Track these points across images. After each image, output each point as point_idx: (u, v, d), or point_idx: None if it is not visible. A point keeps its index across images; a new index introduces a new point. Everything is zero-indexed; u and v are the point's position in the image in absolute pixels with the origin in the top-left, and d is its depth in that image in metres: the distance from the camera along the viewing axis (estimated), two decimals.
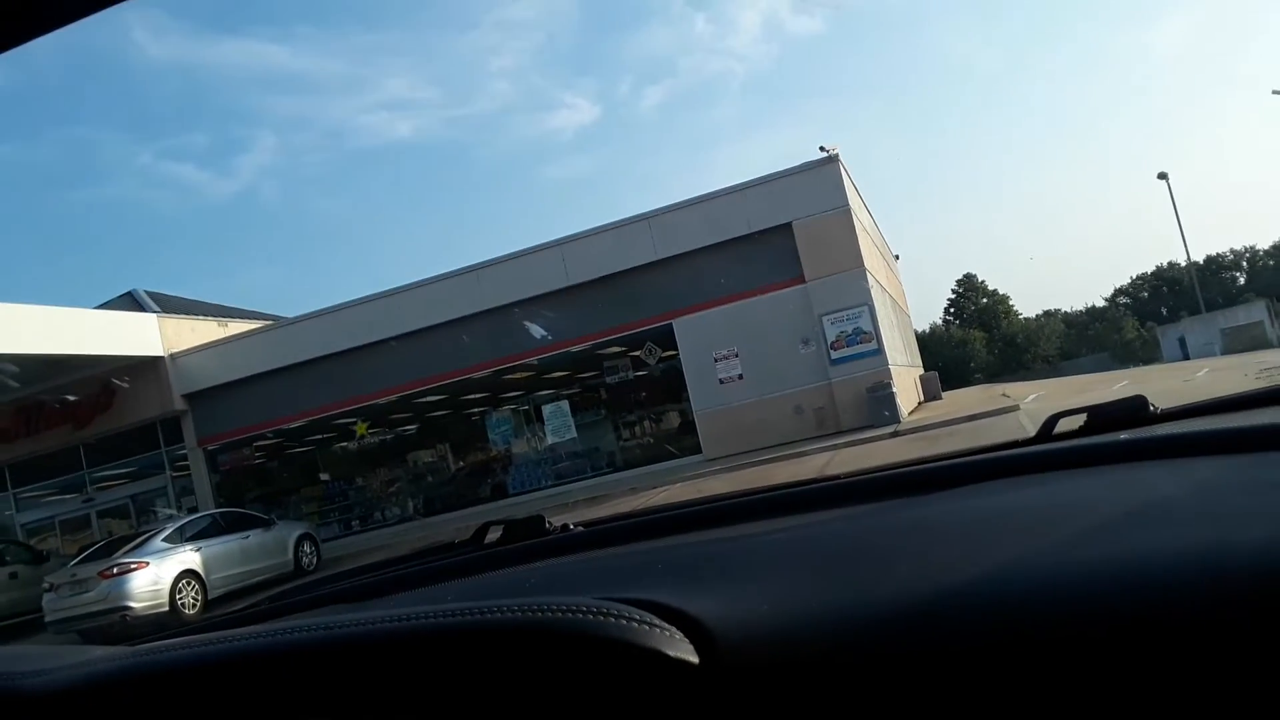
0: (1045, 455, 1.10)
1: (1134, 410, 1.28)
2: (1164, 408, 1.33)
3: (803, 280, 17.68)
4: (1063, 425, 1.32)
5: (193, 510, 18.99)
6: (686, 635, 0.59)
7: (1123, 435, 1.14)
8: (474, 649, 0.60)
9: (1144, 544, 0.63)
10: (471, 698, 0.61)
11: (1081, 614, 0.54)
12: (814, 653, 0.57)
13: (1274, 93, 37.16)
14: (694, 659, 0.57)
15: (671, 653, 0.57)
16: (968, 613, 0.57)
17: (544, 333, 18.60)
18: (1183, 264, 57.19)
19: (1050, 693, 0.51)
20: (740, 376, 18.03)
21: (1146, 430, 1.20)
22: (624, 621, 0.58)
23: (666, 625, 0.59)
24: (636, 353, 19.12)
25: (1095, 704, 0.51)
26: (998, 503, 0.93)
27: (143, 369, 20.31)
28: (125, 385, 20.34)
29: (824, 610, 0.62)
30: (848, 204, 17.88)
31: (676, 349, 18.55)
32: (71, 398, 20.84)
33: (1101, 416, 1.29)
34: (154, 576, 13.51)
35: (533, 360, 19.45)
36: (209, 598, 14.09)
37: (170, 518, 19.76)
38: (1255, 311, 42.22)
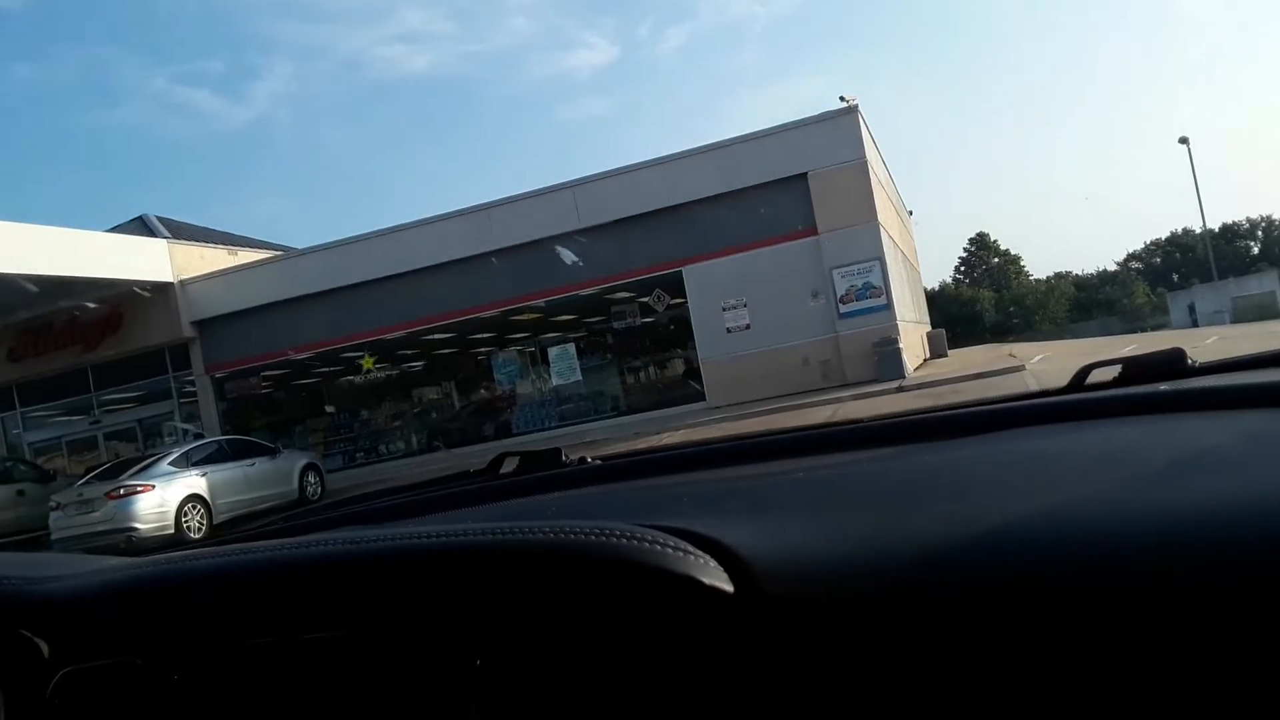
0: (1080, 404, 1.05)
1: (1172, 363, 1.21)
2: (1203, 362, 1.26)
3: (815, 232, 17.54)
4: (1095, 377, 1.24)
5: (200, 435, 19.13)
6: (720, 564, 0.57)
7: (1162, 386, 1.08)
8: (503, 569, 0.58)
9: (1193, 492, 0.60)
10: (498, 619, 0.60)
11: (1134, 562, 0.52)
12: (853, 589, 0.56)
13: None
14: (729, 588, 0.56)
15: (706, 580, 0.56)
16: (1011, 556, 0.55)
17: (563, 262, 18.46)
18: (1198, 231, 56.70)
19: (1095, 639, 0.49)
20: (747, 326, 18.00)
21: (1186, 382, 1.14)
22: (657, 546, 0.56)
23: (700, 552, 0.57)
24: (645, 299, 19.05)
25: (1139, 652, 0.49)
26: (1035, 447, 0.89)
27: (152, 294, 20.33)
28: (142, 299, 20.23)
29: (862, 545, 0.60)
30: (864, 157, 17.65)
31: (685, 296, 18.48)
32: (81, 320, 20.88)
33: (1137, 368, 1.21)
34: (160, 499, 13.67)
35: (540, 302, 19.42)
36: (214, 522, 14.24)
37: (186, 433, 19.98)
38: (1267, 281, 41.91)
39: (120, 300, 20.32)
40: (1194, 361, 1.23)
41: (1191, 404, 0.95)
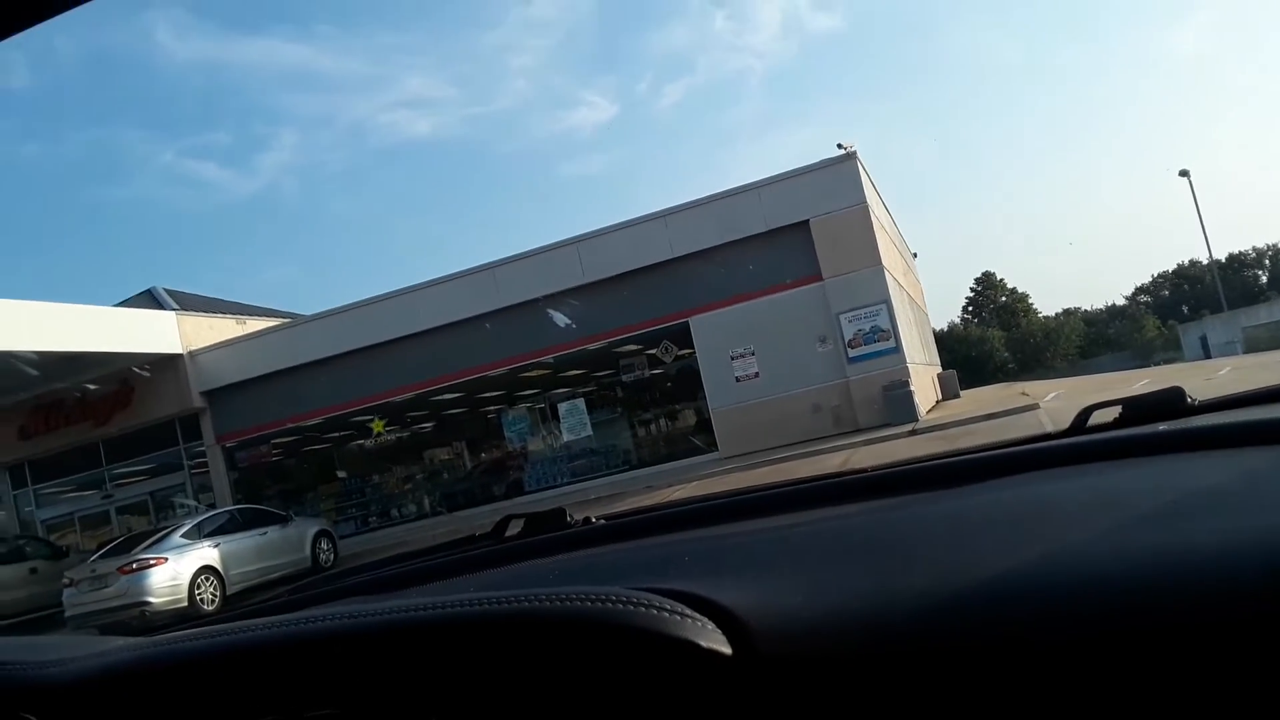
0: (1081, 447, 1.05)
1: (1171, 402, 1.22)
2: (1201, 400, 1.27)
3: (820, 278, 17.59)
4: (1096, 418, 1.26)
5: (211, 506, 19.08)
6: (719, 626, 0.57)
7: (1161, 427, 1.09)
8: (501, 639, 0.59)
9: (1194, 535, 0.60)
10: (497, 689, 0.60)
11: (1131, 607, 0.52)
12: (850, 645, 0.56)
13: None
14: (727, 650, 0.56)
15: (704, 643, 0.56)
16: (1007, 607, 0.55)
17: (568, 321, 18.57)
18: (1204, 262, 56.72)
19: (1096, 688, 0.49)
20: (756, 374, 17.96)
21: (1185, 421, 1.14)
22: (654, 611, 0.57)
23: (697, 615, 0.58)
24: (653, 351, 19.07)
25: (1143, 699, 0.49)
26: (1034, 494, 0.90)
27: (162, 366, 20.43)
28: (146, 378, 20.40)
29: (859, 602, 0.60)
30: (865, 201, 17.77)
31: (693, 347, 18.49)
32: (92, 395, 20.97)
33: (1137, 408, 1.23)
34: (173, 572, 13.62)
35: (548, 358, 19.44)
36: (227, 593, 14.16)
37: (194, 509, 19.92)
38: (1277, 310, 41.82)
39: (130, 374, 20.42)
40: (1193, 400, 1.24)
41: (1190, 444, 0.94)
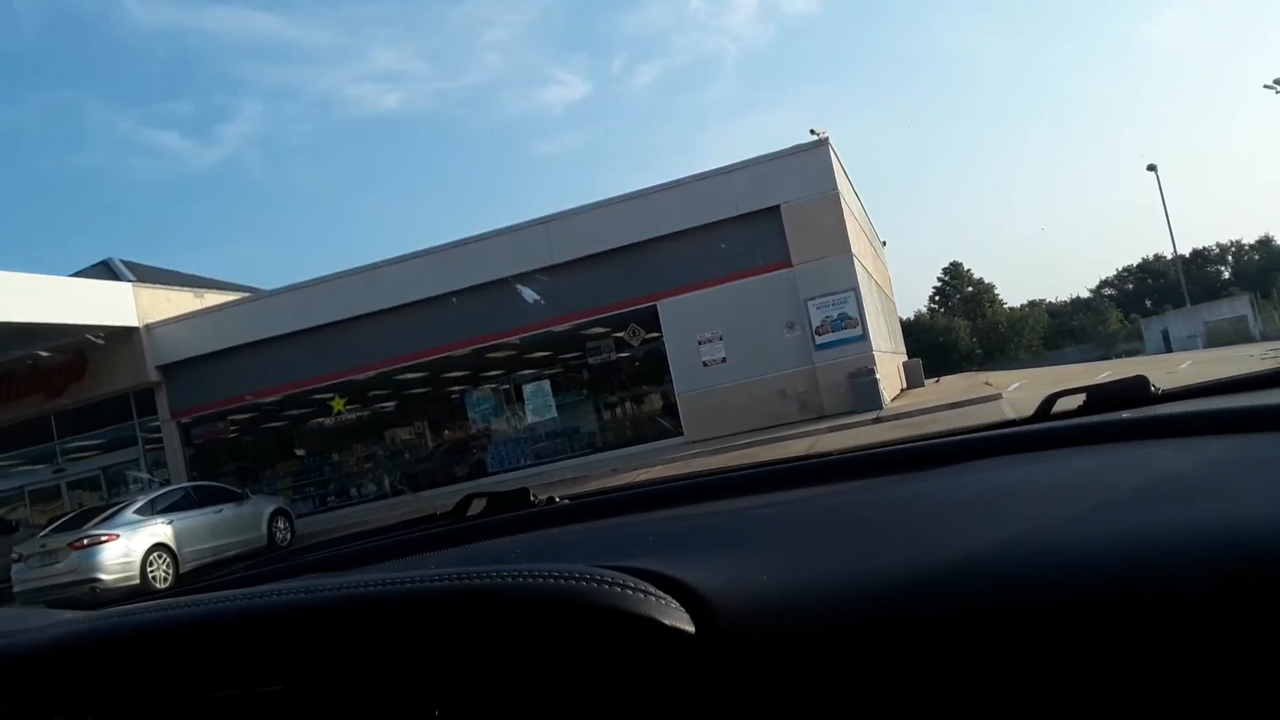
0: (1045, 433, 1.06)
1: (1135, 390, 1.24)
2: (1166, 389, 1.28)
3: (789, 264, 17.58)
4: (1061, 405, 1.28)
5: (165, 483, 18.80)
6: (682, 604, 0.57)
7: (1125, 414, 1.11)
8: (460, 615, 0.57)
9: (1156, 520, 0.61)
10: (457, 666, 0.59)
11: (1093, 590, 0.52)
12: (814, 624, 0.56)
13: (1265, 87, 37.15)
14: (690, 628, 0.56)
15: (667, 621, 0.55)
16: (973, 588, 0.55)
17: (535, 298, 18.42)
18: (1169, 257, 57.49)
19: (1058, 670, 0.50)
20: (724, 359, 17.94)
21: (1149, 409, 1.16)
22: (617, 589, 0.56)
23: (661, 593, 0.57)
24: (620, 334, 19.00)
25: (1103, 681, 0.49)
26: (998, 478, 0.91)
27: (117, 339, 20.07)
28: (100, 350, 20.04)
29: (823, 582, 0.61)
30: (836, 188, 17.77)
31: (660, 330, 18.43)
32: (44, 367, 20.54)
33: (1102, 396, 1.25)
34: (125, 549, 13.46)
35: (514, 339, 19.30)
36: (180, 572, 14.05)
37: (148, 483, 19.62)
38: (1239, 306, 42.56)
39: (84, 346, 20.03)
40: (1156, 389, 1.26)
41: (1153, 431, 0.97)
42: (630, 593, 0.56)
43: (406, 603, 0.58)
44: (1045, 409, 1.27)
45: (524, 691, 0.58)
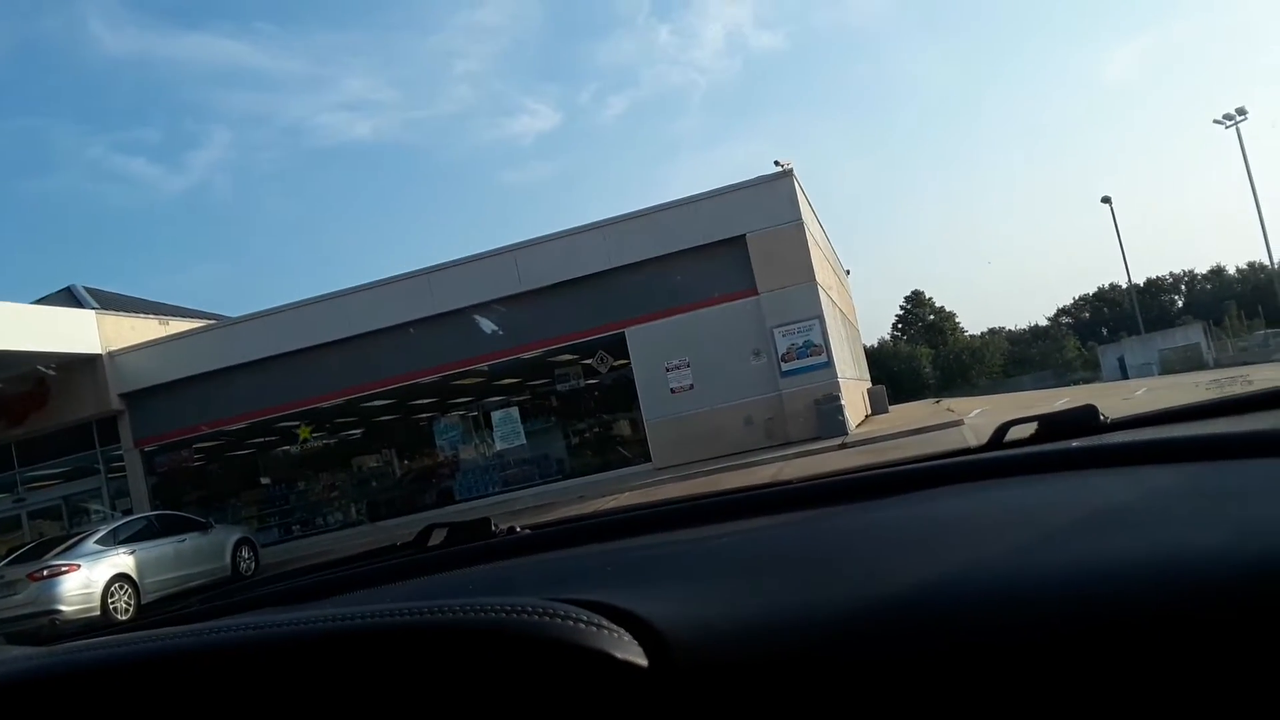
0: (996, 462, 1.09)
1: (1084, 419, 1.28)
2: (1114, 418, 1.32)
3: (755, 292, 17.77)
4: (1013, 434, 1.31)
5: (128, 512, 18.50)
6: (636, 637, 0.57)
7: (1074, 443, 1.13)
8: (412, 650, 0.57)
9: (1099, 549, 0.62)
10: (408, 701, 0.58)
11: (1037, 620, 0.53)
12: (766, 656, 0.56)
13: (1215, 122, 38.27)
14: (643, 661, 0.55)
15: (619, 654, 0.55)
16: (920, 618, 0.56)
17: (495, 328, 18.42)
18: (1124, 286, 58.64)
19: (1004, 698, 0.50)
20: (691, 386, 18.05)
21: (1097, 439, 1.19)
22: (569, 622, 0.56)
23: (614, 626, 0.57)
24: (588, 361, 19.04)
25: (1048, 711, 0.50)
26: (949, 508, 0.92)
27: (80, 367, 19.76)
28: (62, 378, 19.71)
29: (776, 614, 0.61)
30: (801, 218, 18.01)
31: (628, 358, 18.51)
32: (5, 395, 20.17)
33: (1052, 425, 1.28)
34: (85, 579, 13.22)
35: (483, 366, 19.29)
36: (143, 602, 13.76)
37: (106, 517, 19.25)
38: (1192, 334, 43.47)
39: (46, 375, 19.71)
40: (1105, 418, 1.29)
41: (1100, 460, 0.98)
42: (584, 626, 0.56)
43: (358, 638, 0.58)
44: (998, 437, 1.30)
45: None
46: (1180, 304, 70.49)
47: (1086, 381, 44.53)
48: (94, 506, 20.82)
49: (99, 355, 19.87)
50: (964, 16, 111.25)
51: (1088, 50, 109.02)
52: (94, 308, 21.27)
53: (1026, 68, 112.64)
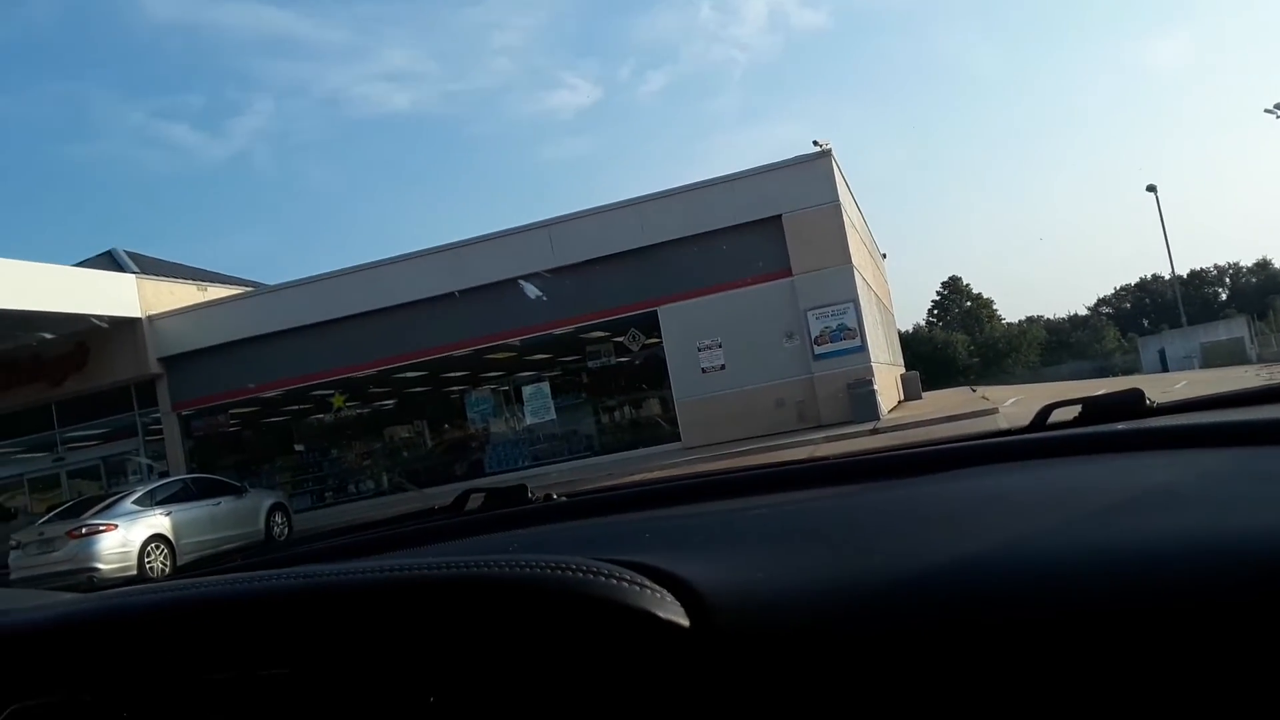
0: (1039, 442, 1.07)
1: (1130, 403, 1.24)
2: (1161, 402, 1.28)
3: (790, 274, 17.66)
4: (1056, 417, 1.27)
5: (164, 474, 18.82)
6: (677, 599, 0.57)
7: (1119, 426, 1.11)
8: (457, 603, 0.58)
9: (1146, 529, 0.61)
10: (453, 653, 0.59)
11: (1084, 596, 0.53)
12: (806, 622, 0.56)
13: (1266, 111, 37.33)
14: (684, 622, 0.56)
15: (661, 614, 0.55)
16: (962, 592, 0.56)
17: (538, 293, 18.38)
18: (1167, 277, 57.62)
19: (1044, 673, 0.50)
20: (722, 367, 18.01)
21: (1143, 422, 1.16)
22: (613, 581, 0.56)
23: (657, 586, 0.57)
24: (620, 338, 19.06)
25: (1094, 685, 0.49)
26: (992, 485, 0.90)
27: (119, 330, 20.08)
28: (102, 341, 20.04)
29: (817, 581, 0.61)
30: (838, 199, 17.85)
31: (660, 336, 18.49)
32: (46, 356, 20.56)
33: (1096, 408, 1.25)
34: (122, 539, 13.47)
35: (515, 341, 19.36)
36: (178, 563, 13.98)
37: (150, 469, 19.61)
38: (1235, 327, 42.66)
39: (86, 336, 20.06)
40: (1152, 402, 1.25)
41: (1147, 443, 0.96)
42: (626, 585, 0.56)
43: (405, 589, 0.59)
44: (1040, 419, 1.26)
45: (518, 679, 0.59)
46: (1224, 297, 69.22)
47: (1125, 373, 43.87)
48: (142, 460, 21.17)
49: (139, 319, 20.18)
50: None
51: (1136, 36, 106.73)
52: (134, 272, 21.63)
53: (1072, 52, 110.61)
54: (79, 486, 21.21)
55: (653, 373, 18.99)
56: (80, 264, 21.86)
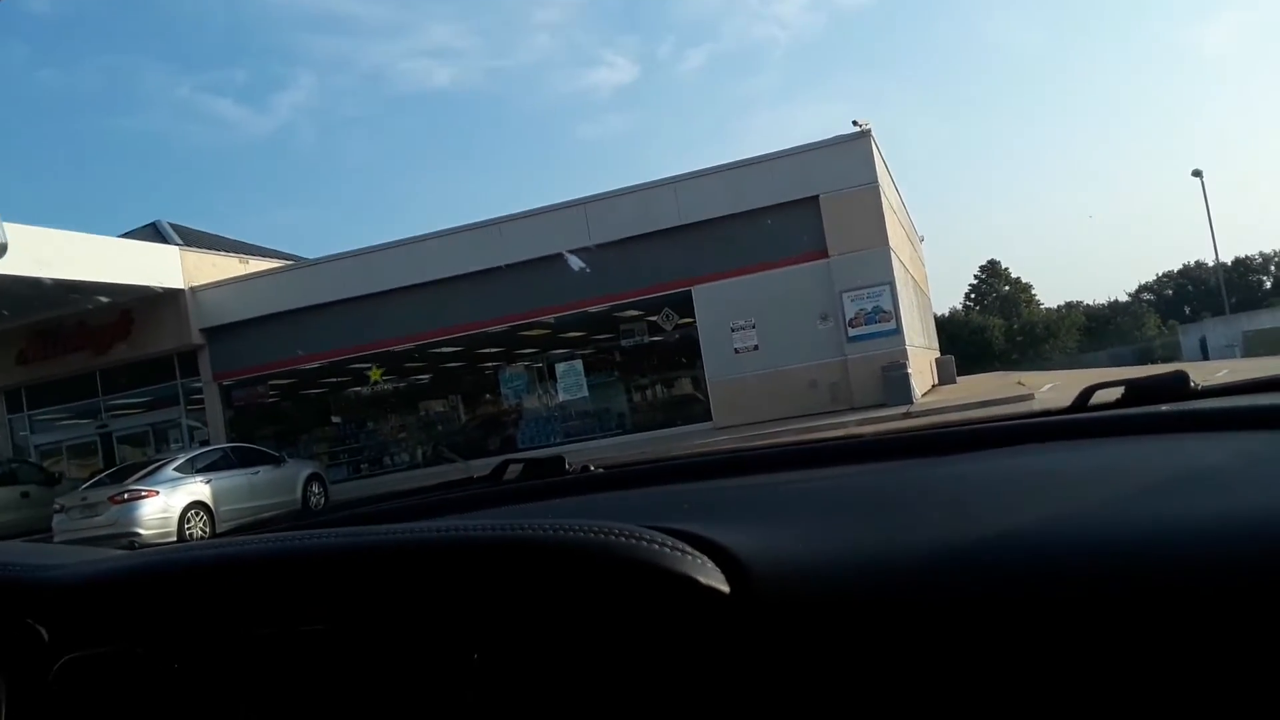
0: (1082, 423, 1.06)
1: (1175, 385, 1.21)
2: (1205, 385, 1.26)
3: (826, 255, 17.54)
4: (1098, 398, 1.25)
5: (205, 443, 19.15)
6: (717, 565, 0.58)
7: (1163, 408, 1.09)
8: (502, 564, 0.59)
9: (1191, 509, 0.60)
10: (495, 614, 0.61)
11: (1125, 573, 0.52)
12: (846, 591, 0.57)
13: None
14: (725, 588, 0.57)
15: (703, 580, 0.56)
16: (1003, 564, 0.55)
17: (582, 265, 18.32)
18: (1210, 264, 56.57)
19: (1084, 649, 0.50)
20: (756, 347, 17.97)
21: (1187, 404, 1.14)
22: (654, 546, 0.57)
23: (698, 553, 0.58)
24: (653, 317, 19.06)
25: (1128, 662, 0.49)
26: (1033, 463, 0.90)
27: (163, 300, 20.40)
28: (146, 310, 20.39)
29: (857, 552, 0.61)
30: (876, 181, 17.69)
31: (694, 316, 18.48)
32: (91, 324, 20.94)
33: (1140, 390, 1.22)
34: (163, 505, 13.74)
35: (549, 318, 19.45)
36: (217, 530, 14.21)
37: (192, 433, 19.94)
38: (1279, 316, 41.78)
39: (131, 305, 20.40)
40: (1196, 384, 1.22)
41: (1191, 425, 0.95)
42: (668, 551, 0.57)
43: (447, 550, 0.60)
44: (1083, 400, 1.25)
45: (561, 641, 0.60)
46: (1268, 285, 67.76)
47: (1165, 360, 43.19)
48: (186, 422, 21.55)
49: (182, 290, 20.46)
50: None
51: (1186, 17, 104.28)
52: (178, 244, 21.88)
53: (1119, 33, 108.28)
54: (122, 453, 21.62)
55: (686, 352, 18.99)
56: (125, 235, 22.21)
